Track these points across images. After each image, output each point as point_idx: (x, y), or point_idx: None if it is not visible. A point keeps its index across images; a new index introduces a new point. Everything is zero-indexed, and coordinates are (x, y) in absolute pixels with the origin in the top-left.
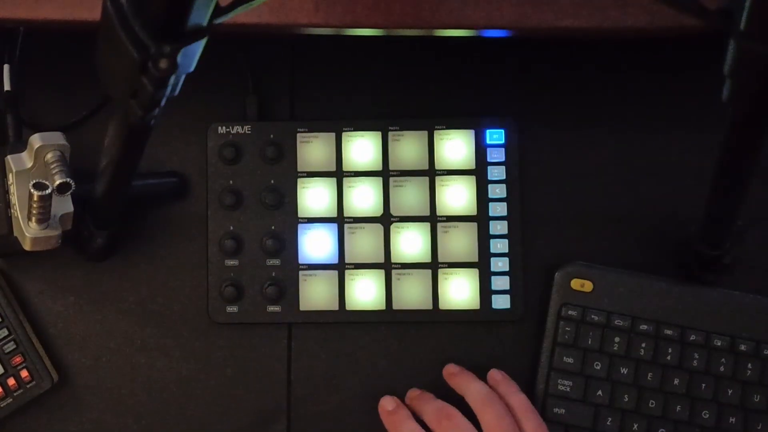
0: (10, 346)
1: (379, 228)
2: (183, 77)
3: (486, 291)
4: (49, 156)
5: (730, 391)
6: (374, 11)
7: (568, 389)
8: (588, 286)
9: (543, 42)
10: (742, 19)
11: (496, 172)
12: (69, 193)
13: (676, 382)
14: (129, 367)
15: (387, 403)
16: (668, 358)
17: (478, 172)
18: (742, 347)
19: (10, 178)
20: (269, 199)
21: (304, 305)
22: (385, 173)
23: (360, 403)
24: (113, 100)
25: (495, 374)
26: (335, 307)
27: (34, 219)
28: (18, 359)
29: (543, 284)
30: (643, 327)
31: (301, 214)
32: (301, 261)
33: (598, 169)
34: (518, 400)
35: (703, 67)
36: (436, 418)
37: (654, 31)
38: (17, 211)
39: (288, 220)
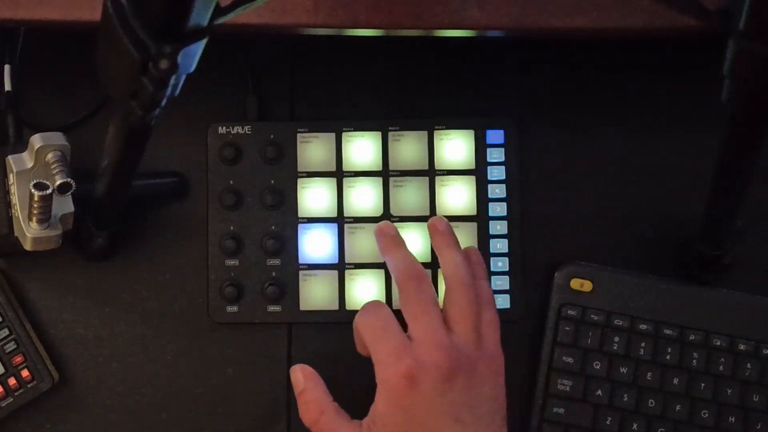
0: (11, 346)
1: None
2: (183, 77)
3: None
4: (49, 156)
5: (729, 391)
6: (374, 11)
7: (567, 389)
8: (588, 286)
9: (543, 42)
10: (742, 19)
11: (496, 172)
12: (69, 193)
13: (675, 381)
14: (129, 367)
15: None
16: (668, 357)
17: (478, 172)
18: (742, 347)
19: (11, 178)
20: (269, 199)
21: (304, 305)
22: (385, 173)
23: (360, 403)
24: (113, 101)
25: (471, 252)
26: (335, 307)
27: (34, 219)
28: (19, 359)
29: (543, 284)
30: (643, 327)
31: (301, 214)
32: (301, 261)
33: (598, 169)
34: (483, 286)
35: (703, 67)
36: (404, 273)
37: (654, 31)
38: (18, 211)
39: (288, 220)
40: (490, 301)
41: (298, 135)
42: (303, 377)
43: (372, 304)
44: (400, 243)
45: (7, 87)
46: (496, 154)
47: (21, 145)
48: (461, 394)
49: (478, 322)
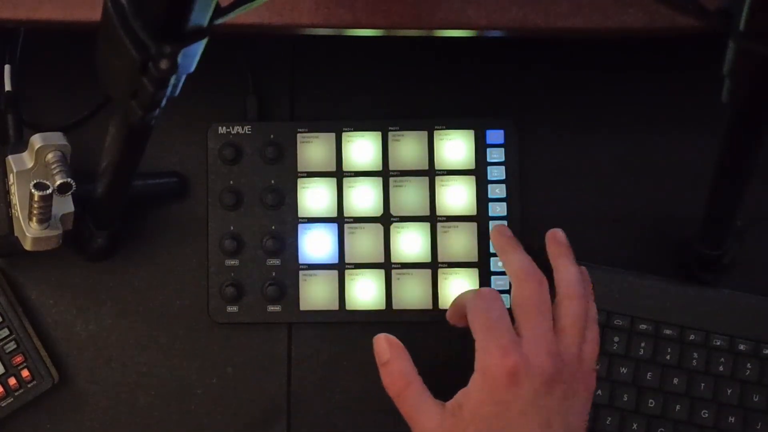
0: (11, 346)
1: (379, 228)
2: (183, 77)
3: None
4: (49, 156)
5: (729, 391)
6: (374, 11)
7: None
8: None
9: (543, 42)
10: (742, 20)
11: (496, 172)
12: (69, 193)
13: (675, 381)
14: (129, 367)
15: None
16: (667, 357)
17: (478, 172)
18: (742, 347)
19: (11, 178)
20: (269, 199)
21: (304, 305)
22: (385, 173)
23: (360, 403)
24: (113, 101)
25: (584, 271)
26: (335, 307)
27: (34, 219)
28: (19, 359)
29: None
30: (643, 327)
31: (301, 214)
32: (301, 261)
33: (598, 169)
34: (593, 307)
35: (703, 67)
36: (526, 272)
37: (654, 31)
38: (18, 211)
39: (288, 220)
40: (595, 320)
41: (298, 135)
42: (388, 346)
43: (490, 293)
44: (519, 245)
45: (8, 87)
46: (496, 154)
47: (21, 145)
48: (556, 402)
49: (582, 338)
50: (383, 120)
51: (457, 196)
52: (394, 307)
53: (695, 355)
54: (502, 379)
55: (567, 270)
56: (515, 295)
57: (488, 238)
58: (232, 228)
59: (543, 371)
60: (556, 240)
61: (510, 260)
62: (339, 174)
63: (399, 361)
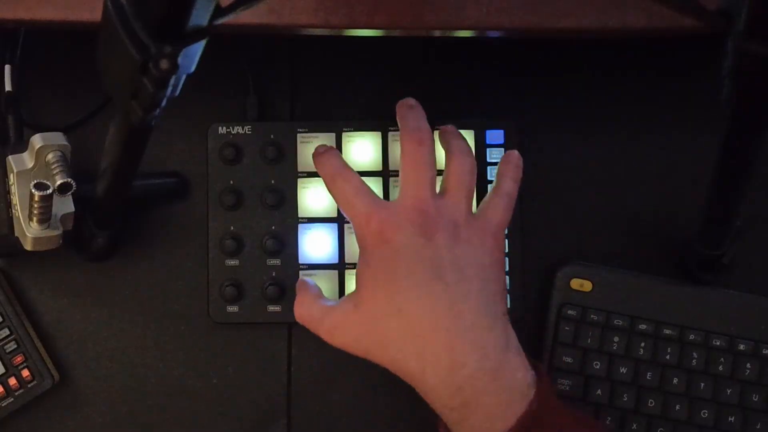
0: (12, 346)
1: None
2: (184, 78)
3: None
4: (50, 156)
5: (728, 391)
6: (374, 12)
7: (567, 388)
8: (587, 285)
9: (543, 42)
10: (741, 20)
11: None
12: (70, 193)
13: (675, 381)
14: (129, 367)
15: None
16: (667, 357)
17: (478, 172)
18: (741, 347)
19: (11, 178)
20: (270, 199)
21: None
22: (385, 173)
23: (360, 403)
24: (114, 101)
25: (513, 156)
26: None
27: (35, 219)
28: (19, 359)
29: (543, 284)
30: (643, 326)
31: (301, 214)
32: (301, 261)
33: (598, 170)
34: (509, 185)
35: (703, 68)
36: (409, 134)
37: (654, 31)
38: (18, 211)
39: (288, 220)
40: (508, 194)
41: (298, 135)
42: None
43: (340, 171)
44: (418, 111)
45: (8, 87)
46: (496, 154)
47: (21, 145)
48: (443, 250)
49: (472, 198)
50: (383, 120)
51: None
52: None
53: (695, 355)
54: (372, 243)
55: (456, 141)
56: (400, 160)
57: None
58: (232, 228)
59: (412, 222)
60: (450, 132)
61: (402, 123)
62: None
63: (299, 287)
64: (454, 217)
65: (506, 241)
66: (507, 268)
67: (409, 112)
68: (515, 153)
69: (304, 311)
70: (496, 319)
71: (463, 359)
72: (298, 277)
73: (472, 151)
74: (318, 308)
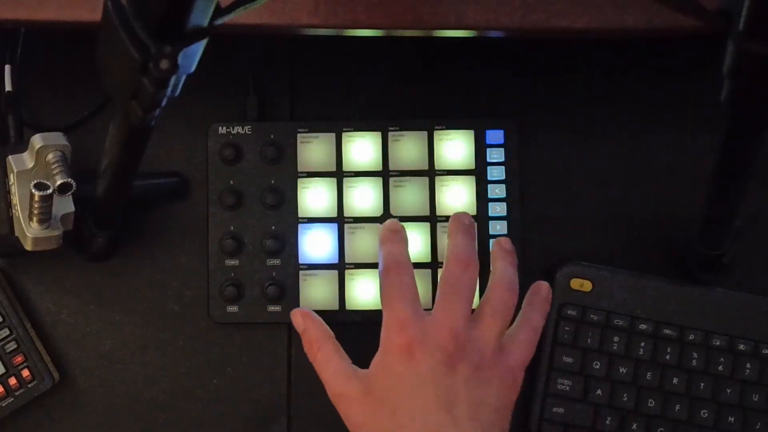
0: (12, 346)
1: (379, 228)
2: (183, 78)
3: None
4: (50, 156)
5: (728, 391)
6: (374, 12)
7: (567, 388)
8: (587, 285)
9: (543, 42)
10: (741, 20)
11: (496, 173)
12: (70, 193)
13: (675, 381)
14: (130, 367)
15: (393, 224)
16: (667, 357)
17: (478, 172)
18: (741, 347)
19: (12, 178)
20: (269, 199)
21: (304, 305)
22: (385, 173)
23: None
24: (114, 101)
25: (543, 288)
26: (335, 306)
27: (35, 219)
28: (19, 359)
29: None
30: (642, 326)
31: (301, 214)
32: (301, 261)
33: (598, 170)
34: (536, 318)
35: (703, 68)
36: (457, 256)
37: (653, 31)
38: (18, 211)
39: (288, 220)
40: (535, 329)
41: (298, 135)
42: (302, 318)
43: (397, 266)
44: (470, 233)
45: (8, 87)
46: (496, 154)
47: (21, 145)
48: (461, 386)
49: (504, 332)
50: (383, 120)
51: (457, 197)
52: None
53: (695, 355)
54: (397, 353)
55: (503, 267)
56: (442, 274)
57: (489, 239)
58: (232, 228)
59: (442, 347)
60: (500, 244)
61: (452, 242)
62: (339, 174)
63: (312, 328)
64: (483, 350)
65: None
66: None
67: (463, 231)
68: (545, 286)
69: (321, 361)
70: None
71: None
72: (298, 277)
73: (516, 283)
74: (335, 366)
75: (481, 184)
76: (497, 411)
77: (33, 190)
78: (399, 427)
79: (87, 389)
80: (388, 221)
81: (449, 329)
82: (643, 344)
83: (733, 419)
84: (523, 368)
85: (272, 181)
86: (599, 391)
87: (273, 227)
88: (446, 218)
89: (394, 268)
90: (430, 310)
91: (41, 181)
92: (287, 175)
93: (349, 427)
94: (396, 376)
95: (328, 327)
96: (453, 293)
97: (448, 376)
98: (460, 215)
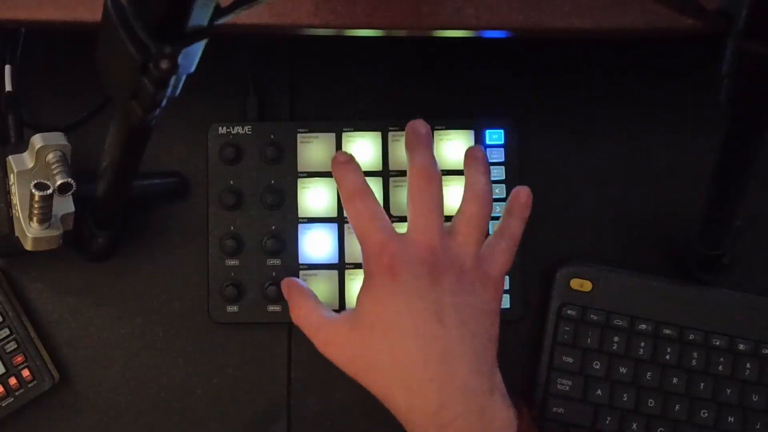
0: (12, 346)
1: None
2: (184, 78)
3: None
4: (50, 156)
5: (728, 391)
6: (374, 12)
7: (567, 388)
8: (587, 285)
9: (543, 42)
10: (741, 20)
11: (496, 173)
12: (70, 193)
13: (674, 381)
14: (130, 367)
15: (341, 155)
16: (667, 357)
17: None
18: (741, 347)
19: (12, 178)
20: (270, 199)
21: None
22: (385, 173)
23: (360, 403)
24: (114, 101)
25: (522, 194)
26: (335, 306)
27: (35, 219)
28: (19, 359)
29: (542, 284)
30: (642, 326)
31: (301, 214)
32: (301, 261)
33: (598, 170)
34: (515, 225)
35: (702, 67)
36: (420, 171)
37: (653, 31)
38: (18, 211)
39: (288, 220)
40: (513, 236)
41: (298, 135)
42: (286, 284)
43: (359, 192)
44: (428, 144)
45: (8, 87)
46: (496, 154)
47: (22, 145)
48: (447, 295)
49: (483, 241)
50: (383, 120)
51: (457, 196)
52: None
53: (695, 354)
54: (380, 274)
55: (475, 177)
56: (408, 196)
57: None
58: (232, 228)
59: (422, 261)
60: (473, 154)
61: (413, 157)
62: None
63: (293, 290)
64: (462, 260)
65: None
66: None
67: (419, 143)
68: (525, 191)
69: (301, 318)
70: (486, 364)
71: (451, 400)
72: (299, 277)
73: (491, 195)
74: (316, 317)
75: None
76: (484, 315)
77: (33, 190)
78: (392, 345)
79: (87, 389)
80: (336, 153)
81: (427, 243)
82: (643, 344)
83: (733, 419)
84: (503, 276)
85: (272, 181)
86: (599, 391)
87: (273, 227)
88: (446, 218)
89: (357, 195)
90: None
91: (41, 181)
92: (287, 175)
93: (345, 368)
94: (382, 298)
95: (308, 286)
96: (423, 208)
97: (433, 289)
98: (415, 124)
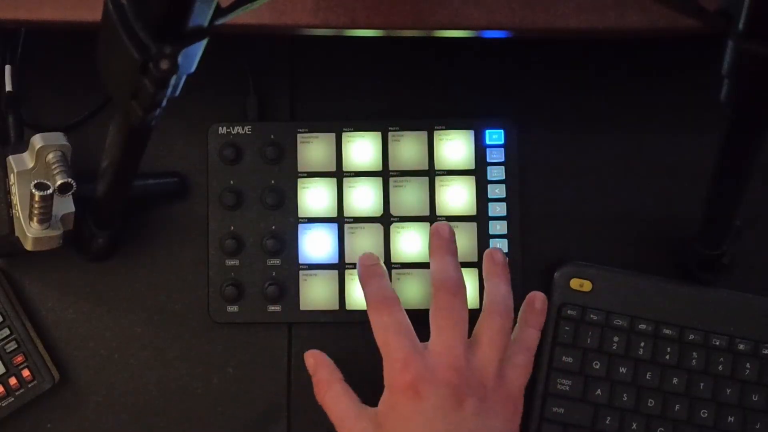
0: (12, 346)
1: (379, 228)
2: (184, 78)
3: None
4: (50, 156)
5: (728, 391)
6: (374, 12)
7: (567, 388)
8: (587, 285)
9: (543, 42)
10: (741, 20)
11: (496, 173)
12: (70, 193)
13: (674, 381)
14: (130, 367)
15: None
16: (667, 357)
17: (478, 172)
18: (741, 347)
19: (12, 178)
20: (270, 199)
21: (304, 305)
22: (385, 173)
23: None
24: (114, 101)
25: (536, 299)
26: (335, 306)
27: (35, 219)
28: (19, 359)
29: (542, 284)
30: (642, 326)
31: (301, 214)
32: (301, 261)
33: (597, 169)
34: (529, 335)
35: (702, 67)
36: (442, 282)
37: (653, 31)
38: (19, 211)
39: (288, 220)
40: (530, 348)
41: (298, 135)
42: (313, 359)
43: (385, 302)
44: (451, 250)
45: (8, 87)
46: (495, 154)
47: (22, 146)
48: (470, 419)
49: (504, 358)
50: (383, 120)
51: (457, 196)
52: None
53: (695, 354)
54: (403, 392)
55: (496, 288)
56: (431, 305)
57: (488, 239)
58: (232, 228)
59: (447, 383)
60: (492, 259)
61: (434, 265)
62: (339, 174)
63: (321, 369)
64: (484, 380)
65: (506, 241)
66: None
67: (443, 249)
68: (540, 297)
69: (327, 401)
70: None
71: None
72: (298, 277)
73: (511, 305)
74: (344, 406)
75: (481, 184)
76: None
77: (33, 190)
78: None
79: (87, 389)
80: (362, 256)
81: (451, 362)
82: (642, 344)
83: (732, 419)
84: (522, 391)
85: (272, 181)
86: (599, 391)
87: (273, 227)
88: (446, 218)
89: (384, 307)
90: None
91: (41, 181)
92: (287, 175)
93: None
94: (405, 415)
95: (337, 368)
96: (447, 322)
97: (456, 411)
98: (439, 227)
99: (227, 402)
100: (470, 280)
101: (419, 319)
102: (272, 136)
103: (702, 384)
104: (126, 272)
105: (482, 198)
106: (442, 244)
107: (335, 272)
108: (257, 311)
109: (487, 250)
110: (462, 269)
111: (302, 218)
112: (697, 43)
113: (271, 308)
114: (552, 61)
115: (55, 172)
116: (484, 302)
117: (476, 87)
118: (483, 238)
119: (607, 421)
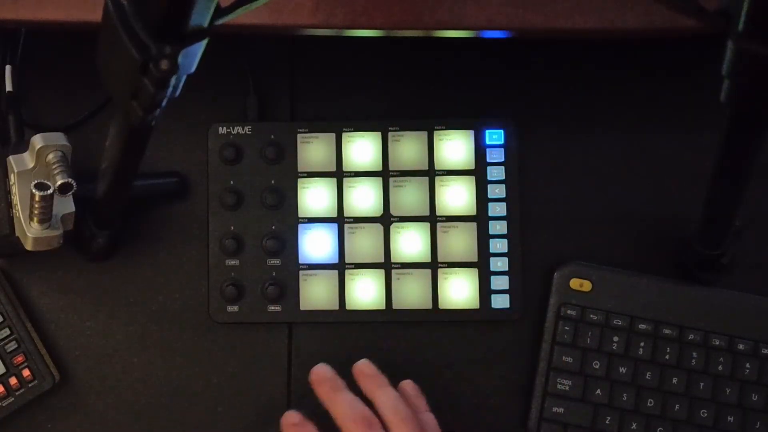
0: (12, 346)
1: (379, 228)
2: (184, 78)
3: (485, 291)
4: (50, 156)
5: (728, 390)
6: (374, 12)
7: (567, 388)
8: (587, 285)
9: (543, 42)
10: (741, 20)
11: (496, 173)
12: (70, 193)
13: (674, 381)
14: (130, 367)
15: (292, 416)
16: (667, 357)
17: (478, 172)
18: (740, 346)
19: (12, 178)
20: (270, 199)
21: (304, 305)
22: (385, 173)
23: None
24: (114, 101)
25: (407, 387)
26: (335, 306)
27: (35, 219)
28: (20, 358)
29: (542, 284)
30: (642, 326)
31: (301, 214)
32: (301, 261)
33: (597, 169)
34: (428, 418)
35: (702, 67)
36: (356, 417)
37: (653, 31)
38: (19, 211)
39: (288, 220)
40: (435, 430)
41: (298, 135)
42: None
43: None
44: (342, 385)
45: (9, 87)
46: (495, 154)
47: (22, 146)
48: None
49: None
50: (383, 120)
51: (456, 196)
52: (394, 307)
53: (694, 354)
54: None
55: (386, 398)
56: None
57: (488, 238)
58: (232, 228)
59: None
60: (364, 374)
61: (335, 406)
62: (339, 174)
63: None
64: None
65: (506, 241)
66: (507, 268)
67: (337, 389)
68: (409, 385)
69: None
70: None
71: None
72: (298, 277)
73: (406, 405)
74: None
75: (481, 184)
76: None
77: (33, 190)
78: None
79: (87, 389)
80: (284, 415)
81: None
82: (642, 344)
83: (732, 419)
84: None
85: (272, 181)
86: (599, 391)
87: (273, 227)
88: (446, 218)
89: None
90: None
91: (42, 181)
92: (287, 175)
93: None
94: None
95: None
96: None
97: None
98: (362, 367)
99: (227, 402)
100: (471, 280)
101: (418, 320)
102: (272, 136)
103: (702, 384)
104: (126, 272)
105: (482, 198)
106: (331, 384)
107: (335, 272)
108: (257, 311)
109: (353, 368)
110: (462, 269)
111: (302, 218)
112: (697, 43)
113: (271, 308)
114: (552, 61)
115: (55, 172)
116: (384, 416)
117: (476, 87)
118: (483, 238)
119: (607, 421)
